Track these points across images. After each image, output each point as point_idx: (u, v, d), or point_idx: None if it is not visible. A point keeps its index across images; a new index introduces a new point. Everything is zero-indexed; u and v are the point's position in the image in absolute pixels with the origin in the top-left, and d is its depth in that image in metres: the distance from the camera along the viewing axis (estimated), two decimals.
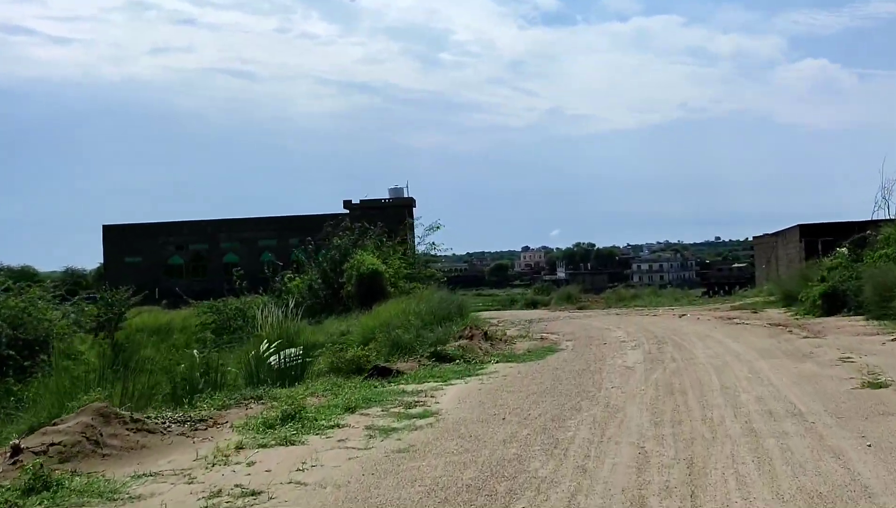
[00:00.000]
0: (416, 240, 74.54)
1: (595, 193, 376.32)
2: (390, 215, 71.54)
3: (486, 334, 19.05)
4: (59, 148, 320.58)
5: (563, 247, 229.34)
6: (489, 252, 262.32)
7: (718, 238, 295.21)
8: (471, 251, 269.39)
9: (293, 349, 20.92)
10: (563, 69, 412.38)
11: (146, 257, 62.33)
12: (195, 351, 28.87)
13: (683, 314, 29.00)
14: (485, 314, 51.74)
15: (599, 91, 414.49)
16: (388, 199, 73.85)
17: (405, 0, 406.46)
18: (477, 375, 14.17)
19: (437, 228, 42.77)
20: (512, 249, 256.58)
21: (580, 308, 46.27)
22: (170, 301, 50.93)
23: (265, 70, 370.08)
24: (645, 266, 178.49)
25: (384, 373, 14.82)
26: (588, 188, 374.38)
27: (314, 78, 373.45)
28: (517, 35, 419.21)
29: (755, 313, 26.83)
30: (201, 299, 42.60)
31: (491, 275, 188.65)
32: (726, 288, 44.36)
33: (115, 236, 62.53)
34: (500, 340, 19.66)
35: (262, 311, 30.55)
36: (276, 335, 30.91)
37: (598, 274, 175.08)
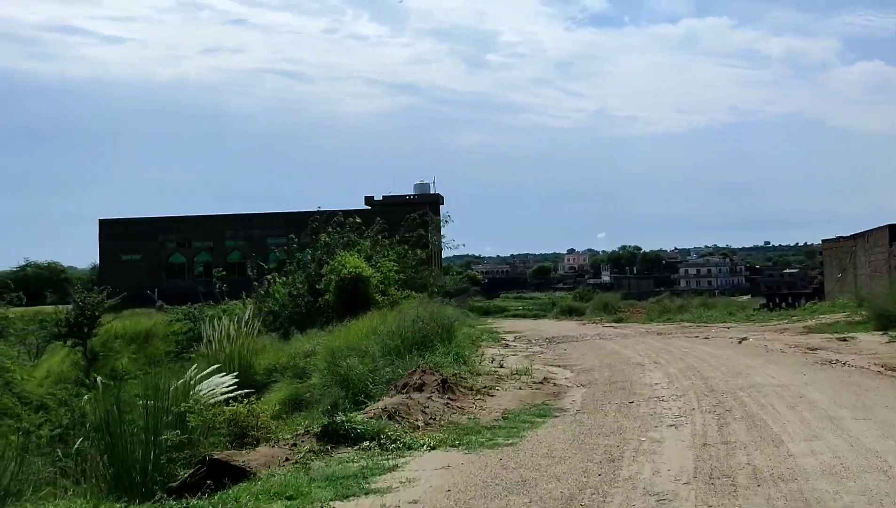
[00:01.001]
0: (443, 239, 67.67)
1: (642, 195, 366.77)
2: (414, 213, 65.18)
3: (444, 382, 11.98)
4: (109, 146, 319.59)
5: (609, 250, 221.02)
6: (533, 254, 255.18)
7: (768, 243, 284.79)
8: (515, 253, 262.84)
9: (226, 378, 14.54)
10: (610, 71, 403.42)
11: (146, 255, 56.29)
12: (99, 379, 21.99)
13: (744, 339, 21.71)
14: (507, 324, 44.69)
15: (647, 93, 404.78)
16: (413, 195, 67.10)
17: (453, 1, 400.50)
18: (364, 493, 7.16)
19: (445, 222, 35.68)
20: (557, 251, 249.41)
21: (617, 321, 39.04)
22: (168, 304, 44.33)
23: (313, 70, 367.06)
24: (692, 271, 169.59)
25: (217, 473, 8.01)
26: (635, 191, 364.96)
27: (361, 78, 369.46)
28: (565, 36, 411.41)
29: (844, 340, 19.44)
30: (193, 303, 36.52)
31: (533, 277, 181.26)
32: (789, 299, 36.68)
33: (111, 232, 56.56)
34: (469, 391, 12.62)
35: (210, 324, 24.00)
36: (227, 356, 24.06)
37: (643, 278, 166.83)
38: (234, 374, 15.74)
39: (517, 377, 15.22)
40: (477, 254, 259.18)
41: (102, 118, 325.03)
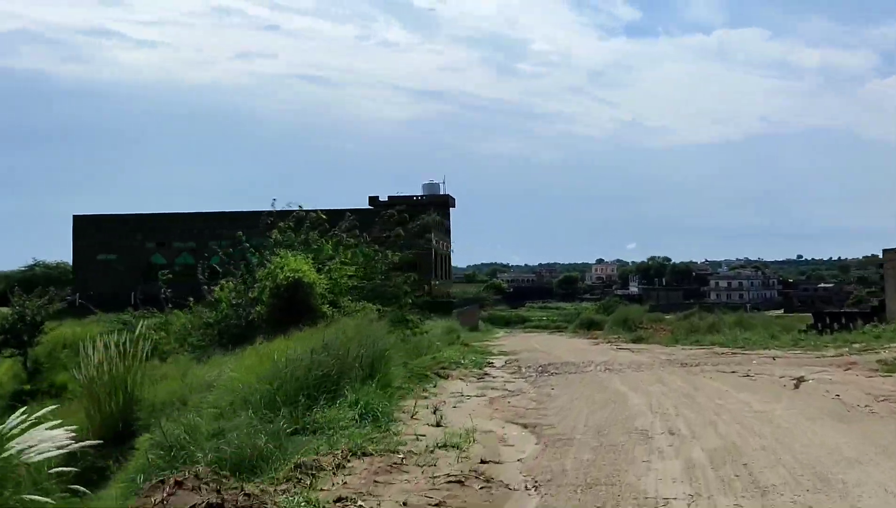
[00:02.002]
0: (452, 243, 61.32)
1: (673, 206, 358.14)
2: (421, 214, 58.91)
3: None
4: (139, 149, 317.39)
5: (638, 261, 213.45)
6: (561, 264, 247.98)
7: (800, 256, 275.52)
8: (543, 262, 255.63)
9: (57, 433, 8.84)
10: (642, 80, 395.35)
11: (123, 254, 50.51)
12: None
13: (801, 379, 15.25)
14: (510, 341, 38.40)
15: (679, 103, 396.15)
16: (421, 196, 60.92)
17: (485, 9, 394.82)
18: None
19: (440, 223, 29.48)
20: (586, 261, 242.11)
21: (636, 340, 32.51)
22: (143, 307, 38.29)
23: (343, 77, 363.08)
24: (723, 283, 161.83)
25: None
26: (666, 201, 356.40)
27: (391, 85, 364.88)
28: (597, 46, 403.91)
29: None
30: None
31: (559, 287, 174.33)
32: (842, 320, 29.96)
33: (86, 229, 50.86)
34: None
35: (88, 347, 17.96)
36: (109, 386, 16.83)
37: (672, 290, 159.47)
38: (74, 427, 10.14)
39: (439, 453, 8.97)
40: (504, 263, 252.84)
41: (133, 121, 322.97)
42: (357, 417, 10.84)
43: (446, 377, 18.31)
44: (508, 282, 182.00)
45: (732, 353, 23.38)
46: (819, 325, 31.34)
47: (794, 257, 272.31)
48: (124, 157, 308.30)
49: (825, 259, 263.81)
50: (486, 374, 19.81)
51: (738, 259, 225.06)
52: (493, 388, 16.50)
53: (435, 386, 16.41)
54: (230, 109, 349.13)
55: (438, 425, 11.20)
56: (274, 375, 11.43)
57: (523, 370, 20.98)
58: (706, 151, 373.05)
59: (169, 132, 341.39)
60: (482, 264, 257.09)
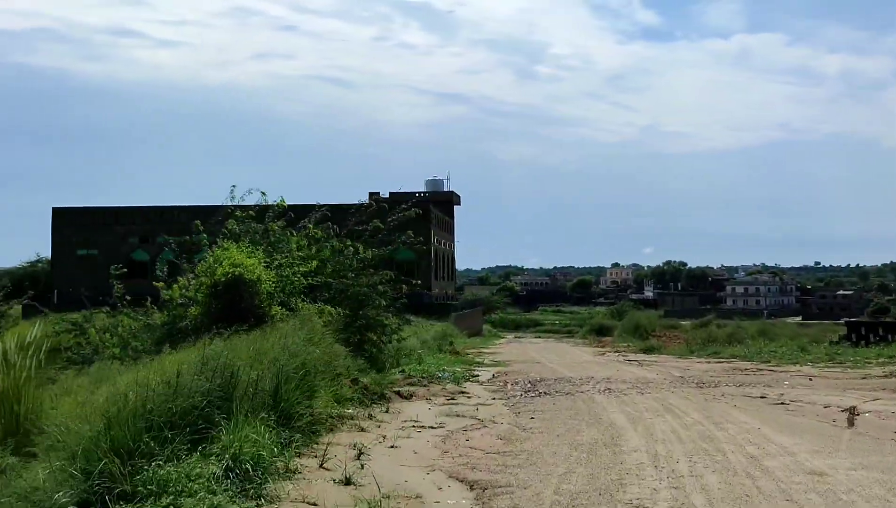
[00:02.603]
0: (456, 243, 57.67)
1: (690, 211, 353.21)
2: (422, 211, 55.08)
3: None
4: (158, 149, 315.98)
5: (654, 265, 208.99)
6: (576, 267, 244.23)
7: (818, 263, 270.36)
8: (558, 265, 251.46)
9: None
10: (660, 85, 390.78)
11: (103, 250, 47.14)
12: None
13: (853, 411, 11.59)
14: (507, 350, 34.73)
15: (697, 108, 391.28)
16: (424, 193, 57.26)
17: (504, 12, 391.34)
18: None
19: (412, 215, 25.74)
20: (601, 265, 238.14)
21: (647, 350, 28.81)
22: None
23: (362, 78, 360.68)
24: (740, 289, 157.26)
25: None
26: (683, 207, 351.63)
27: (409, 88, 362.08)
28: (615, 50, 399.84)
29: None
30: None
31: (573, 291, 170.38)
32: (879, 331, 26.17)
33: (65, 223, 47.54)
34: None
35: None
36: None
37: (688, 295, 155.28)
38: None
39: None
40: (519, 265, 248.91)
41: (152, 121, 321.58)
42: (222, 472, 7.30)
43: (409, 398, 14.78)
44: (522, 285, 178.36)
45: (758, 370, 19.66)
46: (853, 336, 27.49)
47: (812, 264, 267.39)
48: (143, 156, 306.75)
49: (843, 266, 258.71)
50: (462, 392, 16.22)
51: (754, 265, 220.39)
52: (459, 415, 12.92)
53: (387, 411, 12.90)
54: (249, 109, 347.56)
55: (349, 482, 7.69)
56: (111, 408, 7.89)
57: (509, 386, 17.41)
58: (724, 156, 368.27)
59: (188, 132, 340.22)
60: (497, 266, 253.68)
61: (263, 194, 21.76)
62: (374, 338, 21.18)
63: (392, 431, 10.84)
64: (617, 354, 28.83)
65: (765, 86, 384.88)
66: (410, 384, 16.73)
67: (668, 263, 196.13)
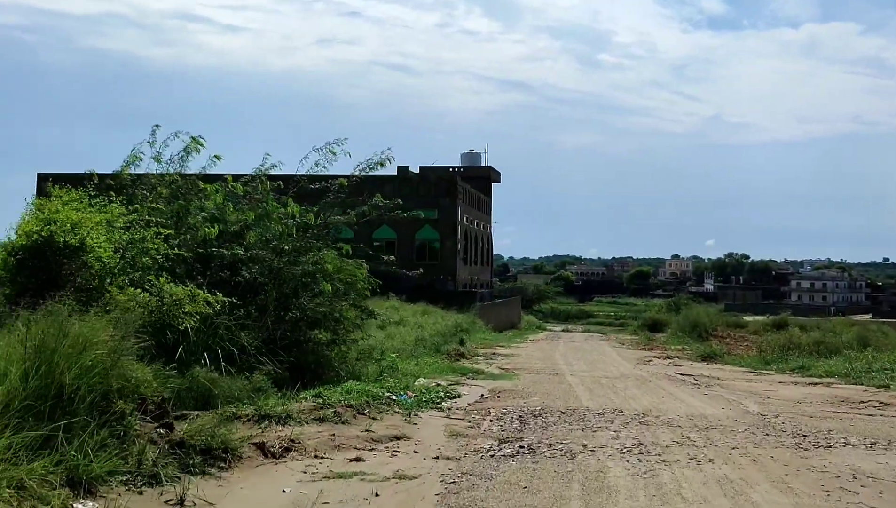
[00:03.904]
0: (494, 223, 50.71)
1: (753, 204, 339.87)
2: (469, 186, 47.88)
3: None
4: (220, 133, 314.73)
5: (715, 258, 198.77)
6: (635, 258, 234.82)
7: (887, 259, 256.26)
8: (616, 256, 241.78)
9: None
10: (726, 75, 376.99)
11: None
12: None
13: None
14: (532, 351, 27.69)
15: (764, 99, 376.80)
16: (459, 167, 50.33)
17: None
18: None
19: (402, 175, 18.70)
20: (660, 256, 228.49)
21: (707, 357, 21.72)
22: None
23: (424, 65, 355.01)
24: (805, 284, 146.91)
25: None
26: (746, 199, 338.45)
27: (471, 74, 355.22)
28: (680, 38, 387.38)
29: None
30: None
31: (630, 282, 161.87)
32: None
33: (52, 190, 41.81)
34: None
35: None
36: None
37: (750, 289, 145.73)
38: None
39: None
40: (577, 255, 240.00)
41: (217, 105, 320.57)
42: None
43: (278, 455, 8.19)
44: (578, 275, 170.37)
45: (882, 403, 12.52)
46: None
47: (881, 261, 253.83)
48: (209, 140, 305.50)
49: None
50: (396, 438, 9.62)
51: (819, 260, 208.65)
52: (343, 500, 6.34)
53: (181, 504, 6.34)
54: (311, 94, 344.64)
55: None
56: None
57: (486, 424, 10.74)
58: (791, 148, 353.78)
59: (250, 116, 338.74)
60: (554, 255, 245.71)
61: (196, 139, 15.16)
62: (320, 338, 14.84)
63: None
64: (668, 361, 21.75)
65: (835, 77, 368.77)
66: (319, 419, 10.13)
67: (729, 255, 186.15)
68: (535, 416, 11.29)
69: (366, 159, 16.87)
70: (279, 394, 11.25)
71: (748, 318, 44.60)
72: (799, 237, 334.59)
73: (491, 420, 11.06)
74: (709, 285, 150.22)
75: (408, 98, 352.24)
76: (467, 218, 41.82)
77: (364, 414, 10.85)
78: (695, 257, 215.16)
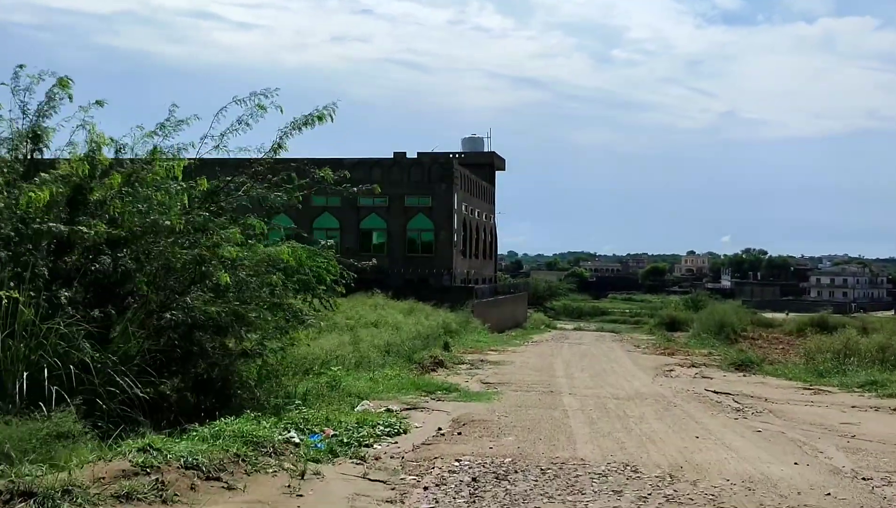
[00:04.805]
0: (498, 214, 46.32)
1: (769, 200, 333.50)
2: (473, 174, 43.27)
3: None
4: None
5: (731, 254, 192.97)
6: (650, 254, 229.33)
7: None
8: (631, 252, 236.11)
9: None
10: (740, 71, 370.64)
11: None
12: None
13: None
14: (528, 356, 22.97)
15: (778, 95, 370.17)
16: (460, 153, 45.87)
17: None
18: None
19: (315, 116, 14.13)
20: (675, 252, 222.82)
21: (740, 365, 17.21)
22: None
23: (436, 62, 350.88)
24: (825, 280, 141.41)
25: None
26: (762, 195, 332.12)
27: (484, 71, 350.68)
28: (694, 34, 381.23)
29: None
30: None
31: (646, 278, 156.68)
32: None
33: None
34: None
35: None
36: None
37: (768, 285, 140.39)
38: None
39: None
40: (591, 251, 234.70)
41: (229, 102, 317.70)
42: None
43: None
44: (592, 271, 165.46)
45: None
46: None
47: None
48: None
49: None
50: None
51: (837, 255, 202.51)
52: None
53: None
54: (324, 92, 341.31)
55: None
56: None
57: (413, 497, 6.39)
58: (806, 144, 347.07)
59: (270, 115, 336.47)
60: (568, 252, 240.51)
61: (63, 81, 10.82)
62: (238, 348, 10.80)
63: None
64: (694, 372, 17.30)
65: (851, 72, 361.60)
66: (124, 497, 5.85)
67: (747, 251, 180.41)
68: (498, 478, 7.00)
69: (302, 115, 12.69)
70: (101, 442, 7.08)
71: (770, 315, 40.12)
72: (816, 233, 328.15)
73: (426, 488, 6.78)
74: (726, 282, 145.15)
75: (420, 95, 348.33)
76: (466, 206, 37.44)
77: (217, 479, 6.61)
78: (710, 253, 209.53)
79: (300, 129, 12.76)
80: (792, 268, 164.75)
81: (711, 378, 15.81)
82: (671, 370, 17.55)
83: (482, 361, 19.00)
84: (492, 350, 22.22)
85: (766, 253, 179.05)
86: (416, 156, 39.78)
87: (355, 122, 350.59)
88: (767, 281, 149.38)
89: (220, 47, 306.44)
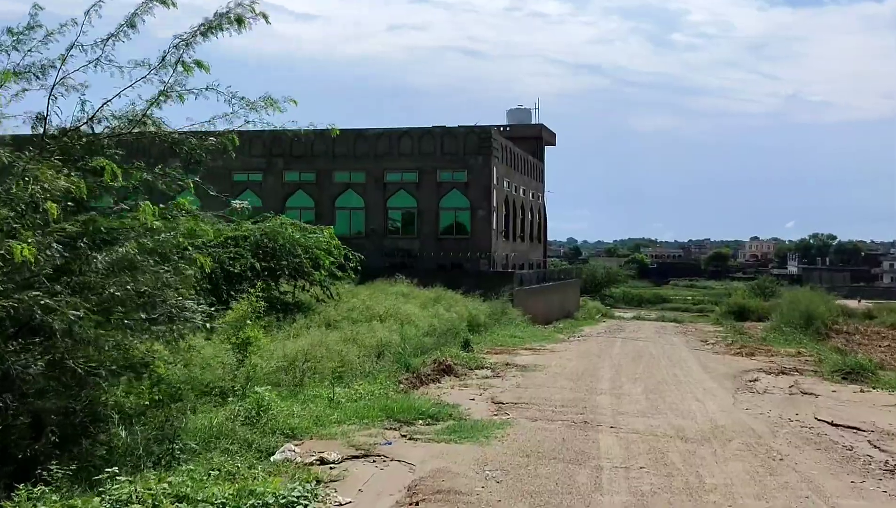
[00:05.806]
0: (547, 192, 41.55)
1: (836, 185, 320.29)
2: (517, 146, 38.63)
3: None
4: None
5: (797, 240, 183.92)
6: (713, 240, 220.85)
7: None
8: (693, 238, 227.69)
9: None
10: (806, 53, 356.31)
11: None
12: None
13: None
14: (567, 358, 18.00)
15: (846, 76, 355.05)
16: (505, 126, 41.18)
17: None
18: None
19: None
20: (738, 238, 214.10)
21: (849, 373, 12.28)
22: None
23: (494, 49, 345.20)
24: None
25: None
26: (829, 180, 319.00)
27: (543, 57, 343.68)
28: (757, 16, 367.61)
29: None
30: None
31: (708, 264, 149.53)
32: None
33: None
34: None
35: None
36: None
37: (837, 271, 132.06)
38: None
39: None
40: (652, 238, 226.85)
41: (293, 93, 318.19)
42: None
43: None
44: (653, 257, 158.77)
45: None
46: None
47: None
48: None
49: None
50: None
51: None
52: None
53: None
54: (383, 81, 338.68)
55: None
56: None
57: None
58: (876, 126, 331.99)
59: (323, 104, 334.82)
60: (629, 238, 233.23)
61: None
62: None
63: None
64: (786, 382, 12.65)
65: None
66: None
67: (814, 236, 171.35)
68: None
69: (205, 18, 8.55)
70: None
71: (851, 303, 34.90)
72: (885, 217, 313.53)
73: None
74: (793, 267, 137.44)
75: (478, 82, 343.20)
76: (508, 182, 32.89)
77: None
78: (774, 238, 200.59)
79: (208, 32, 8.66)
80: (863, 253, 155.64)
81: (816, 396, 11.17)
82: (755, 381, 12.90)
83: (508, 365, 14.59)
84: (525, 349, 17.73)
85: (834, 238, 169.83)
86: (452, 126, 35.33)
87: (413, 110, 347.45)
88: (837, 267, 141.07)
89: (282, 38, 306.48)
